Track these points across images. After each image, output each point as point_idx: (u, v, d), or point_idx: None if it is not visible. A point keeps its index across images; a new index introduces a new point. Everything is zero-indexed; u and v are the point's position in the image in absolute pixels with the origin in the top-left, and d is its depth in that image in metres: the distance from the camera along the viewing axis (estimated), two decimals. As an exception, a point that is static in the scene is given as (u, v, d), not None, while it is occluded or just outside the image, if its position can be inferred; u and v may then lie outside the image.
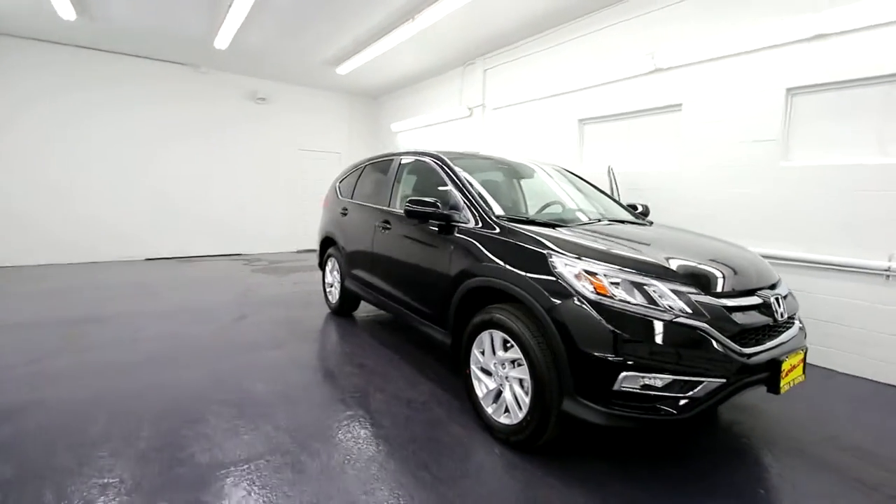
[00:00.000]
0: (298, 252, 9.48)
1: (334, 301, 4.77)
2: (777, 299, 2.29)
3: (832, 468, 2.31)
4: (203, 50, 7.15)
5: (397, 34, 5.95)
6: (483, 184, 3.08)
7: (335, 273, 4.73)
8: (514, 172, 3.67)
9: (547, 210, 3.31)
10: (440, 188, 3.23)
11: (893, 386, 3.32)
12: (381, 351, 3.75)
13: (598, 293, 2.01)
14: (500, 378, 2.45)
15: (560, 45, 5.75)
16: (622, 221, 3.15)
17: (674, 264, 2.17)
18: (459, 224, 2.85)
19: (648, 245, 2.45)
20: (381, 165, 4.29)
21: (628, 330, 1.91)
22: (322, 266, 5.07)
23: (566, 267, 2.13)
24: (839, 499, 2.07)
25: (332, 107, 9.88)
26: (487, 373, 2.56)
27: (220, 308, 4.95)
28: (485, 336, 2.52)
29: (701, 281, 2.13)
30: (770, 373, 2.08)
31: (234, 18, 5.70)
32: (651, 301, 1.97)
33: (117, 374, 3.14)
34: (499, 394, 2.47)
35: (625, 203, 3.83)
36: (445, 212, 2.92)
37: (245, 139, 8.82)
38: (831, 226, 3.58)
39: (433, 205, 2.91)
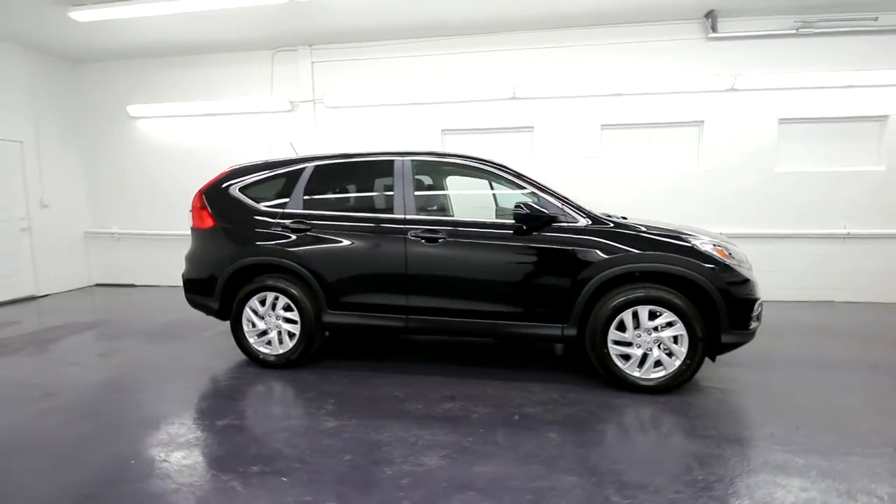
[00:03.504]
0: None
1: (285, 349, 3.52)
2: None
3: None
4: None
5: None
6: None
7: (278, 312, 3.49)
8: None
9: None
10: (497, 190, 3.28)
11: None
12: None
13: (724, 258, 2.99)
14: (648, 344, 3.02)
15: (423, 57, 6.07)
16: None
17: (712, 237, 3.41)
18: (564, 224, 3.11)
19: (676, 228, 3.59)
20: (362, 167, 3.62)
21: (747, 277, 2.99)
22: (237, 311, 3.55)
23: (704, 245, 2.99)
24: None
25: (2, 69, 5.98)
26: (626, 345, 3.05)
27: None
28: (626, 315, 3.01)
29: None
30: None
31: None
32: (733, 256, 3.11)
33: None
34: (643, 358, 3.04)
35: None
36: (554, 214, 3.10)
37: None
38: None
39: (541, 210, 3.05)
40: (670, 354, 3.00)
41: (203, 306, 3.73)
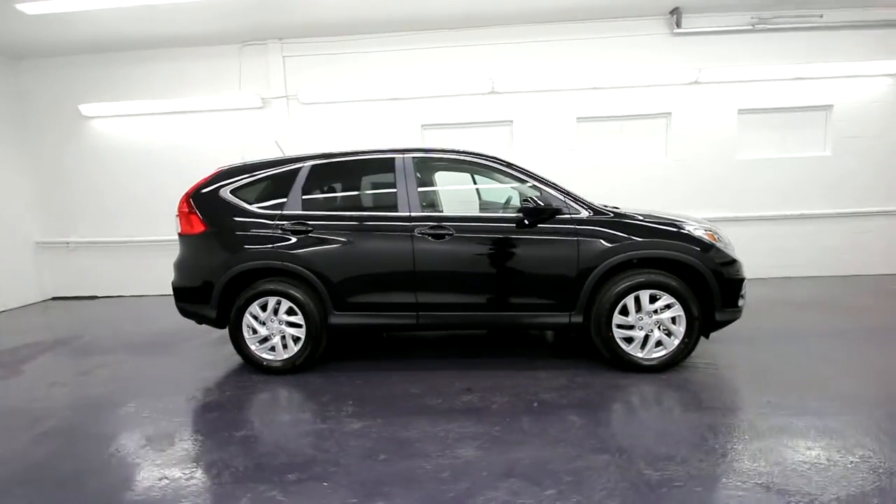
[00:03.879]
0: None
1: (290, 353, 3.44)
2: None
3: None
4: None
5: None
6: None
7: (281, 316, 3.40)
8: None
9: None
10: (497, 185, 3.37)
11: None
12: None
13: (714, 241, 3.20)
14: (649, 326, 3.20)
15: (401, 52, 6.00)
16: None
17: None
18: (569, 216, 3.23)
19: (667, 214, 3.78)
20: (361, 165, 3.59)
21: (734, 258, 3.22)
22: (236, 318, 3.43)
23: (696, 231, 3.19)
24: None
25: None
26: (628, 328, 3.22)
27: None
28: (629, 300, 3.17)
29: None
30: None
31: None
32: (720, 239, 3.34)
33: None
34: (645, 339, 3.22)
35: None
36: (558, 206, 3.20)
37: None
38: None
39: (548, 203, 3.15)
40: (669, 334, 3.19)
41: (197, 315, 3.58)
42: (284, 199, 3.50)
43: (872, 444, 2.25)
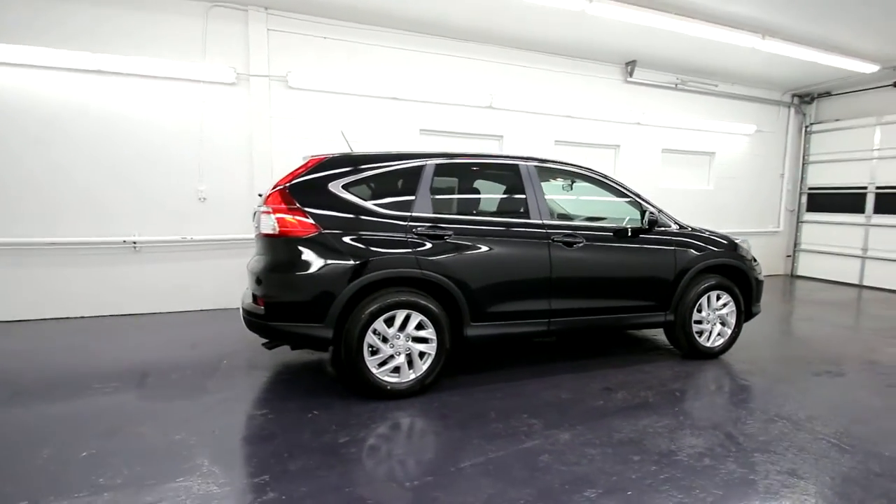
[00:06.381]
0: None
1: (417, 373, 3.05)
2: None
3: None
4: None
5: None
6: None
7: (409, 331, 3.01)
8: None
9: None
10: (599, 198, 3.75)
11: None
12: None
13: (749, 251, 4.13)
14: (714, 320, 3.92)
15: (402, 51, 5.70)
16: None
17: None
18: (665, 228, 3.75)
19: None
20: (487, 169, 3.53)
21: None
22: (360, 337, 2.89)
23: (742, 243, 4.06)
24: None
25: None
26: (699, 323, 3.88)
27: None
28: (703, 300, 3.83)
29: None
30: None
31: None
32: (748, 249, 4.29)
33: None
34: (708, 332, 3.93)
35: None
36: (661, 220, 3.68)
37: None
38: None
39: (653, 217, 3.60)
40: (724, 326, 3.98)
41: (302, 337, 2.87)
42: (406, 199, 3.12)
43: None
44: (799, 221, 8.70)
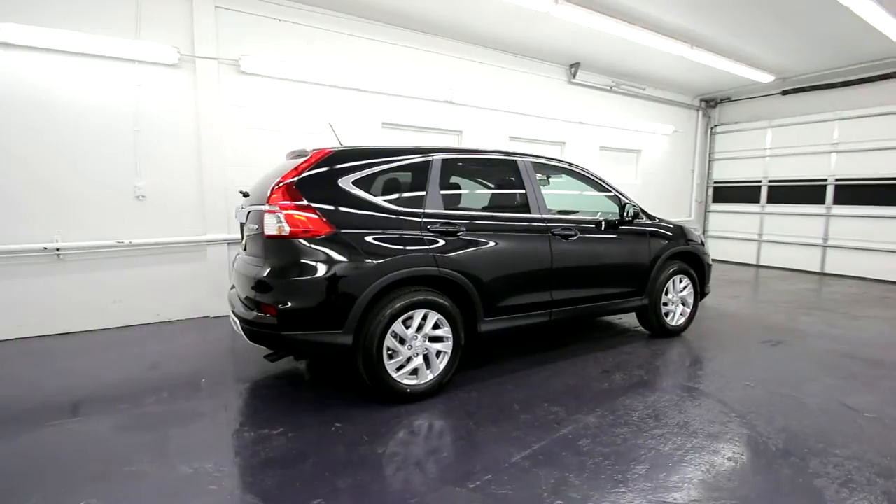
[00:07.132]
0: None
1: (435, 373, 2.99)
2: None
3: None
4: None
5: None
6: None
7: (426, 331, 2.94)
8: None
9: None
10: (590, 193, 3.97)
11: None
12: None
13: (702, 238, 4.64)
14: (676, 301, 4.35)
15: (364, 40, 5.47)
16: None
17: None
18: (639, 220, 4.06)
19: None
20: (488, 164, 3.54)
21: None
22: (379, 341, 2.75)
23: (697, 232, 4.54)
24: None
25: None
26: (665, 305, 4.29)
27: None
28: (669, 284, 4.25)
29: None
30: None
31: None
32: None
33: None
34: (673, 313, 4.37)
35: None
36: (638, 211, 3.99)
37: None
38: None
39: (642, 208, 3.91)
40: (685, 305, 4.44)
41: (320, 346, 2.65)
42: (417, 195, 3.02)
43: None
44: (706, 211, 9.94)
